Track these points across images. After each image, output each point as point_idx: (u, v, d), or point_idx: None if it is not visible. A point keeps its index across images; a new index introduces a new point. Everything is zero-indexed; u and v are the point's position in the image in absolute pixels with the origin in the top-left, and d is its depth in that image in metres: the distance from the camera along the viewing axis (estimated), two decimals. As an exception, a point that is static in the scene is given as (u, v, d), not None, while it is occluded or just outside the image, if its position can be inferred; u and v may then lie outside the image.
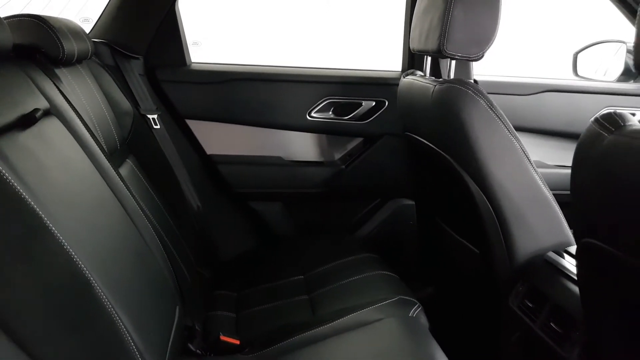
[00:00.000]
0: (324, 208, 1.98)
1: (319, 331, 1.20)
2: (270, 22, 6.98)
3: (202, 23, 5.87)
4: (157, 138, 1.65)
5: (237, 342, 1.22)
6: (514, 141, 1.19)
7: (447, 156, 1.30)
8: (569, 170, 0.84)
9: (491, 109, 1.18)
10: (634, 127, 0.73)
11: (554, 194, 1.23)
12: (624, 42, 1.85)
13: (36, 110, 0.90)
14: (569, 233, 1.22)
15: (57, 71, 1.17)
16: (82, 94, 1.27)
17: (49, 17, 1.22)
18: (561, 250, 1.20)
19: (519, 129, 1.30)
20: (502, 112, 1.19)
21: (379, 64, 2.10)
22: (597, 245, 0.78)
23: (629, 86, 1.91)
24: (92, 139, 1.09)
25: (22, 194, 0.75)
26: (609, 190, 0.75)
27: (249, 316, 1.38)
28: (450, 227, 1.55)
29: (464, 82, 1.22)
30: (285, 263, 1.65)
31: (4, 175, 0.74)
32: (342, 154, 1.96)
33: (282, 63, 1.93)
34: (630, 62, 1.44)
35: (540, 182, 1.21)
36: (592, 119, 0.79)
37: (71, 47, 1.23)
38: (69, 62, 1.25)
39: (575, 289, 1.05)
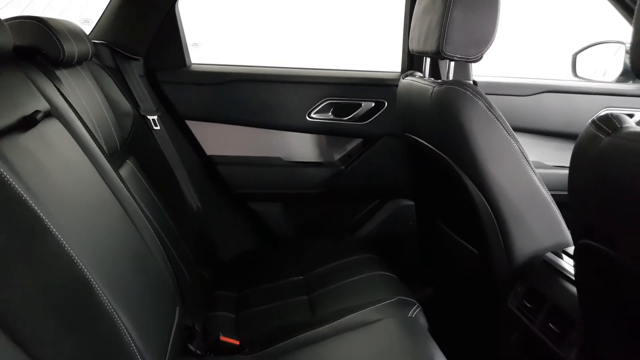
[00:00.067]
0: (324, 209, 1.98)
1: (319, 331, 1.20)
2: (270, 23, 6.98)
3: (202, 23, 5.87)
4: (157, 139, 1.66)
5: (237, 342, 1.22)
6: (513, 142, 1.19)
7: (446, 157, 1.30)
8: (567, 171, 0.84)
9: (490, 110, 1.18)
10: (631, 129, 0.73)
11: (552, 195, 1.23)
12: (623, 43, 1.85)
13: (37, 112, 0.91)
14: (568, 234, 1.23)
15: (58, 73, 1.17)
16: (83, 95, 1.28)
17: (49, 18, 1.22)
18: (560, 251, 1.21)
19: (518, 129, 1.30)
20: (501, 113, 1.20)
21: (379, 65, 2.10)
22: (595, 247, 0.79)
23: (628, 87, 1.91)
24: (92, 141, 1.09)
25: (23, 195, 0.75)
26: (605, 192, 0.75)
27: (248, 316, 1.38)
28: (449, 228, 1.56)
29: (462, 83, 1.22)
30: (285, 263, 1.65)
31: (4, 176, 0.74)
32: (342, 154, 1.97)
33: (282, 64, 1.93)
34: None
35: (538, 183, 1.21)
36: (590, 120, 0.80)
37: (71, 48, 1.23)
38: (69, 63, 1.26)
39: (574, 289, 1.05)
